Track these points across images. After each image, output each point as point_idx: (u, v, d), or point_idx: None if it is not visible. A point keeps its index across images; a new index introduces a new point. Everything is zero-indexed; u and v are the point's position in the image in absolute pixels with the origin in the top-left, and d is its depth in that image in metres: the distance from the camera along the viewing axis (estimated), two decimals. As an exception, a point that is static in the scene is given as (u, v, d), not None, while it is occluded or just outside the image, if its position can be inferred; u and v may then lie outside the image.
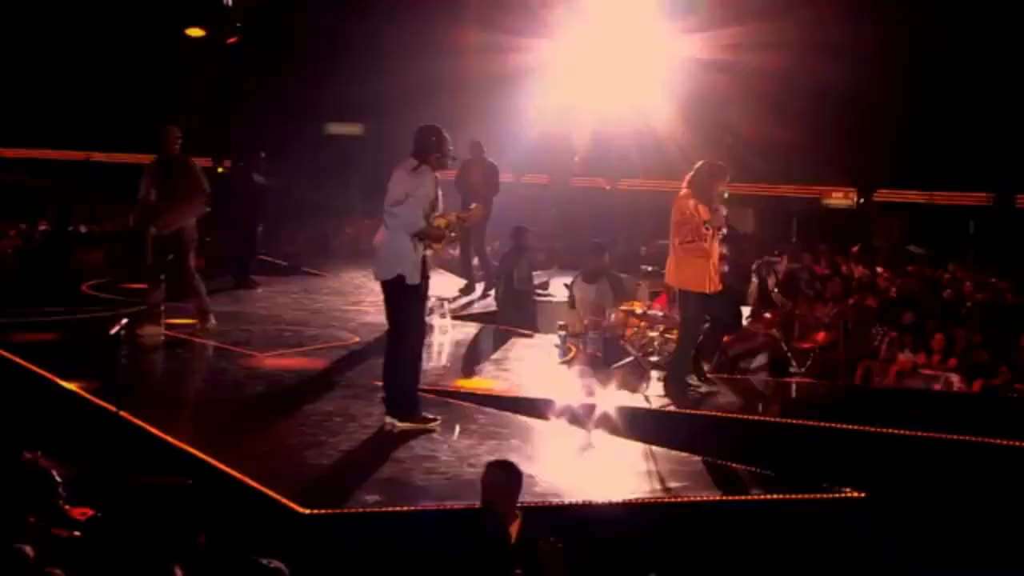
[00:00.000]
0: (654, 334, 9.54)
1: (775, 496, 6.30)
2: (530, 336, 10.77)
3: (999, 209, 17.86)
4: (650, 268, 11.46)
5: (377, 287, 7.24)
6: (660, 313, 9.91)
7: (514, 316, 11.48)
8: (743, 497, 6.31)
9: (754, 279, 11.37)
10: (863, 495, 6.10)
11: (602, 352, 9.61)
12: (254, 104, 18.01)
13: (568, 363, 9.51)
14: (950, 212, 19.00)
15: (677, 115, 17.28)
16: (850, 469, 6.69)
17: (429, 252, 6.90)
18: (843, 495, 6.13)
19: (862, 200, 19.37)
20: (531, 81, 17.58)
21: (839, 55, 16.73)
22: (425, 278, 6.97)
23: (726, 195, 8.26)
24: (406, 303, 6.93)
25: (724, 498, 6.28)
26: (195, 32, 17.78)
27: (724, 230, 8.31)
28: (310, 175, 19.05)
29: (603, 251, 10.84)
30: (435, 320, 10.62)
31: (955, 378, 10.42)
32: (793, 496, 6.25)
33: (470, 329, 10.99)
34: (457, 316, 11.36)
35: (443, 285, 12.43)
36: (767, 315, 9.50)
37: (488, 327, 11.17)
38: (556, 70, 17.69)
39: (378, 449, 6.71)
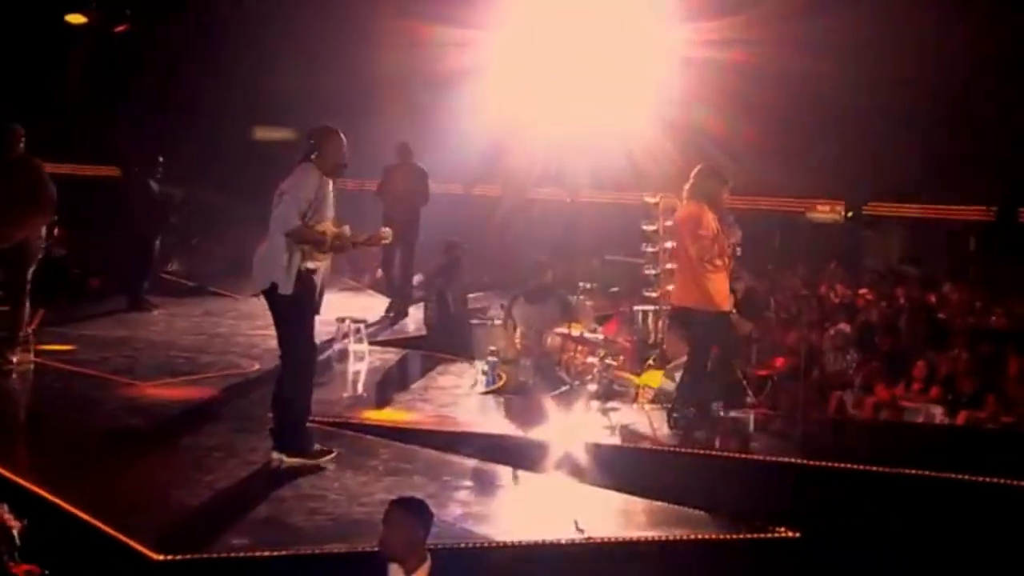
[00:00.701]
0: (594, 360, 9.55)
1: (707, 536, 6.31)
2: (459, 362, 10.73)
3: (1000, 225, 17.98)
4: (590, 285, 11.48)
5: None
6: (602, 337, 9.92)
7: (446, 341, 11.44)
8: (671, 537, 6.28)
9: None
10: (798, 535, 6.12)
11: (535, 380, 9.61)
12: (152, 103, 17.81)
13: (495, 392, 9.49)
14: (950, 227, 19.07)
15: (652, 120, 17.29)
16: (798, 508, 6.73)
17: (313, 265, 6.86)
18: (778, 535, 6.15)
19: (851, 214, 19.46)
20: (480, 80, 17.56)
21: (822, 53, 16.85)
22: (312, 293, 6.93)
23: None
24: (285, 318, 6.91)
25: (650, 537, 6.27)
26: (76, 19, 17.46)
27: (739, 249, 8.40)
28: (233, 184, 18.90)
29: (546, 269, 10.85)
30: (351, 345, 10.59)
31: (938, 410, 10.49)
32: (725, 536, 6.28)
33: (390, 355, 10.96)
34: (379, 341, 11.32)
35: (367, 307, 12.41)
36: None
37: (413, 353, 11.14)
38: (508, 67, 17.69)
39: (259, 487, 6.64)
